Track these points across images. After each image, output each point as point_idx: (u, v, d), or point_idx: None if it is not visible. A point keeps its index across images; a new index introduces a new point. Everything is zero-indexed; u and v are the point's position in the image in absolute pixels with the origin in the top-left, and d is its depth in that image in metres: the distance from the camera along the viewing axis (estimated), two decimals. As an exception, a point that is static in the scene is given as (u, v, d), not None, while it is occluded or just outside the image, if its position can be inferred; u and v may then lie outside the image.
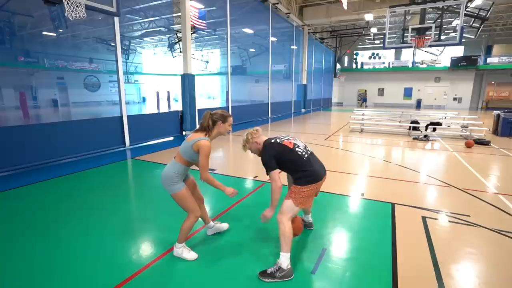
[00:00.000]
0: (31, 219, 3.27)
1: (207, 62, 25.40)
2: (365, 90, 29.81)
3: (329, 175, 4.94)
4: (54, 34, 16.87)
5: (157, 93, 25.05)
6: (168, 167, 2.41)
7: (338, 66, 27.45)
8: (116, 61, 6.85)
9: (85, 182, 4.69)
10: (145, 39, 23.93)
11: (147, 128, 7.91)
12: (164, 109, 20.01)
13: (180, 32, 9.58)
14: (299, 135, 9.89)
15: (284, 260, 2.22)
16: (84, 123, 6.48)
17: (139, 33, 21.82)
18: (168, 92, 25.68)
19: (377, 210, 3.58)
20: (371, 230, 3.06)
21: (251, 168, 5.52)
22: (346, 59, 30.95)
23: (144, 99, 28.59)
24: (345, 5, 12.70)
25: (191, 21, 9.29)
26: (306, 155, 2.39)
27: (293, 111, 18.36)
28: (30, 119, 12.34)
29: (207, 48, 26.20)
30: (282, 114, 16.65)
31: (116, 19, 6.53)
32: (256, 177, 4.88)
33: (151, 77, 28.54)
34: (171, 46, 20.48)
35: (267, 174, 2.37)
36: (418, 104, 27.61)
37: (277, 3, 13.92)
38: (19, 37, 15.19)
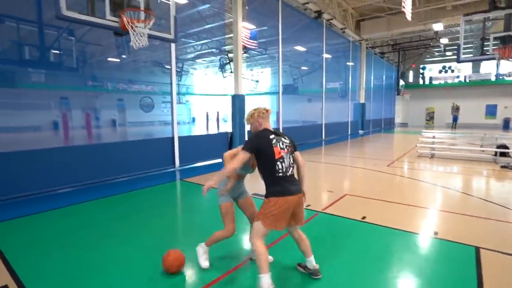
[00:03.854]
0: (86, 235, 3.65)
1: (257, 81, 26.38)
2: (457, 106, 24.73)
3: (393, 208, 4.63)
4: (118, 60, 19.47)
5: (207, 113, 26.64)
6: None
7: (402, 82, 26.06)
8: (171, 83, 7.54)
9: (137, 202, 5.10)
10: (197, 60, 26.01)
11: (196, 150, 8.38)
12: (213, 129, 21.08)
13: (231, 53, 10.20)
14: (356, 160, 9.46)
15: (265, 281, 2.28)
16: (138, 143, 7.17)
17: (192, 55, 23.84)
18: (218, 113, 27.12)
19: (455, 254, 3.16)
20: (448, 278, 2.70)
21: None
22: (411, 74, 29.30)
23: (193, 119, 30.60)
24: (409, 17, 12.21)
25: (243, 41, 9.85)
26: (280, 174, 2.41)
27: (349, 133, 17.75)
28: (92, 139, 14.07)
29: (258, 67, 27.28)
30: (337, 136, 16.18)
31: (173, 44, 7.27)
32: (309, 206, 4.74)
33: (201, 97, 30.58)
34: (222, 67, 21.92)
35: (241, 150, 2.44)
36: (506, 124, 24.41)
37: (332, 19, 14.03)
38: (89, 64, 17.88)
